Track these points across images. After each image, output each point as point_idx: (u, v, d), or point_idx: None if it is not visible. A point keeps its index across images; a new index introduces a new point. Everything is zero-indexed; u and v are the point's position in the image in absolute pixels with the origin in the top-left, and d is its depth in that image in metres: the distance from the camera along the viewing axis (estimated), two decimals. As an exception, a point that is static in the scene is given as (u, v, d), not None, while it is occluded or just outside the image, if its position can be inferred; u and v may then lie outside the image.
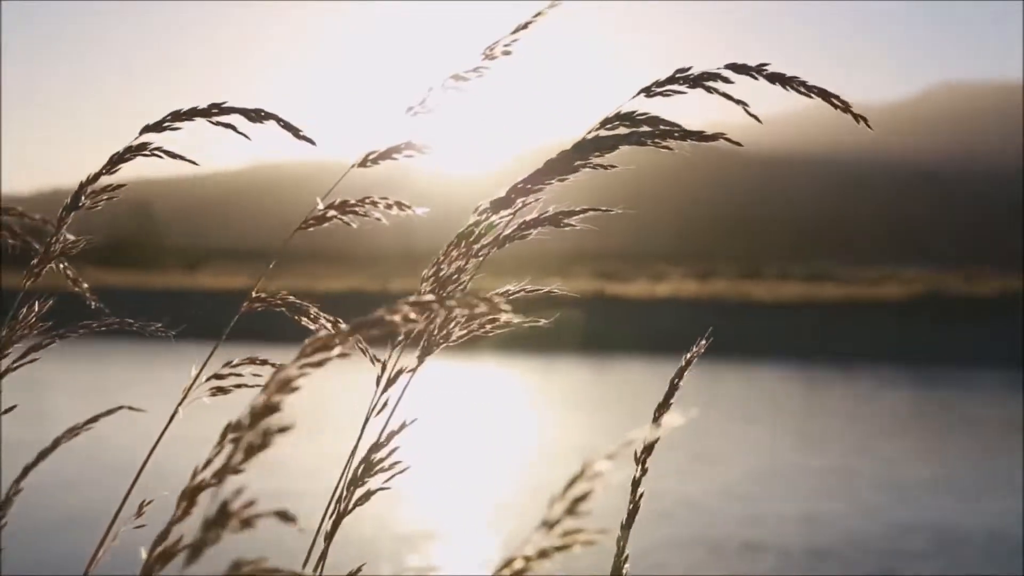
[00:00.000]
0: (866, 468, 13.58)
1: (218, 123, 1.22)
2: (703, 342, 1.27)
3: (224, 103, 1.22)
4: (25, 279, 1.30)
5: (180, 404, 1.19)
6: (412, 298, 0.79)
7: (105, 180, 1.30)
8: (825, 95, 1.08)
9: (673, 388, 1.23)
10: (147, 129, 1.25)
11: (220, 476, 0.83)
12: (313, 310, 1.30)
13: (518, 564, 0.71)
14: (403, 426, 1.15)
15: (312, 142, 1.23)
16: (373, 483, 1.13)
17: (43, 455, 1.31)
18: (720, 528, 10.25)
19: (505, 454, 14.29)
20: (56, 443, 1.30)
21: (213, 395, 1.24)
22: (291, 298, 1.29)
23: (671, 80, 1.11)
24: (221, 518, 0.70)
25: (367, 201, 1.22)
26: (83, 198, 1.30)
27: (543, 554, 0.70)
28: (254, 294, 1.27)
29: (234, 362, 1.26)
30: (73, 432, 1.33)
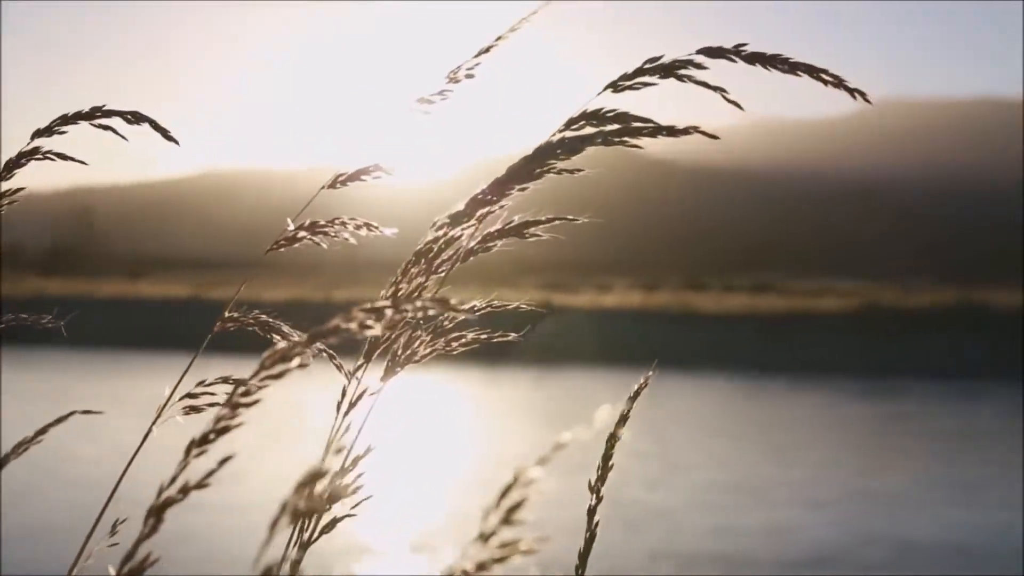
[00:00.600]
0: (815, 478, 13.73)
1: (99, 126, 1.26)
2: (649, 374, 1.26)
3: (104, 106, 1.26)
4: None
5: (154, 423, 1.19)
6: (367, 304, 0.79)
7: (4, 186, 1.32)
8: (812, 71, 1.02)
9: (624, 419, 1.24)
10: (38, 134, 1.28)
11: (186, 492, 0.85)
12: (285, 328, 1.31)
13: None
14: (368, 451, 1.12)
15: (177, 142, 1.27)
16: (338, 510, 1.11)
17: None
18: (686, 539, 10.32)
19: (457, 465, 14.26)
20: (4, 461, 1.26)
21: (187, 414, 1.23)
22: (263, 317, 1.29)
23: (640, 72, 1.04)
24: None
25: (337, 222, 1.22)
26: None
27: (481, 567, 0.69)
28: (227, 314, 1.27)
29: (207, 381, 1.27)
30: (22, 447, 1.27)
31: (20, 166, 1.30)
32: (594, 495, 1.22)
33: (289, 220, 1.23)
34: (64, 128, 1.28)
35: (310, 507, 0.70)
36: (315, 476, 0.70)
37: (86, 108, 1.27)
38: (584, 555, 1.22)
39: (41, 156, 1.29)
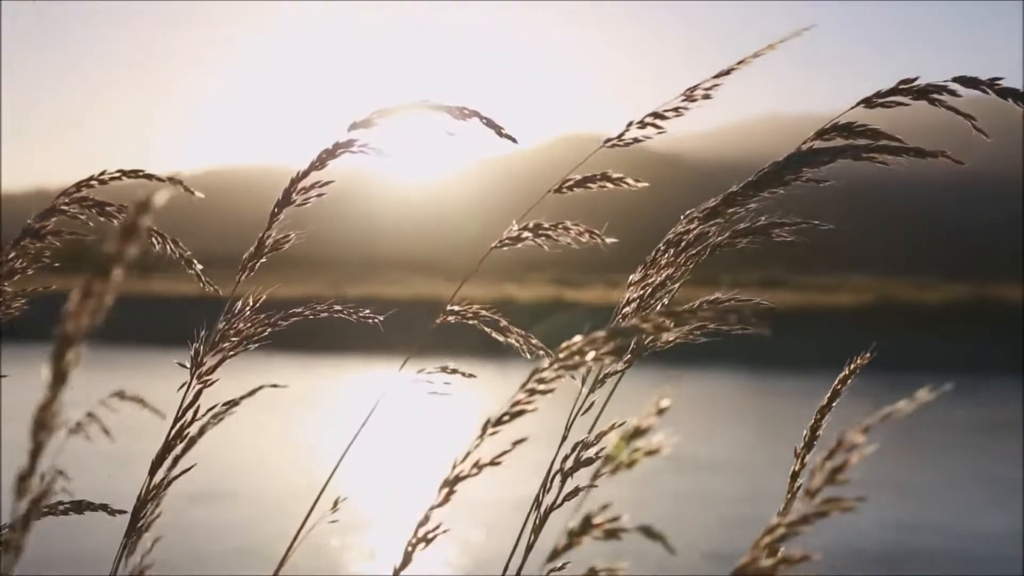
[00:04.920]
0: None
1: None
2: (863, 356, 1.35)
3: (429, 100, 1.21)
4: (239, 273, 1.35)
5: (373, 406, 1.25)
6: (667, 308, 0.89)
7: (314, 176, 1.31)
8: None
9: (835, 394, 1.36)
10: (355, 126, 1.25)
11: (480, 468, 0.94)
12: (503, 322, 1.35)
13: (780, 530, 0.78)
14: (612, 427, 1.15)
15: (515, 140, 1.21)
16: (581, 481, 1.11)
17: (191, 443, 1.32)
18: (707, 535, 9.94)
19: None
20: (203, 430, 1.31)
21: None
22: (483, 312, 1.34)
23: (894, 91, 1.11)
24: (584, 528, 0.77)
25: (560, 226, 1.27)
26: (293, 194, 1.33)
27: (804, 520, 0.77)
28: (448, 307, 1.32)
29: (427, 370, 1.31)
30: (217, 416, 1.31)
31: (334, 156, 1.29)
32: (798, 460, 1.31)
33: (514, 221, 1.25)
34: (379, 120, 1.24)
35: (631, 461, 0.82)
36: (637, 432, 0.82)
37: (409, 100, 1.22)
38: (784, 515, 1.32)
39: (356, 149, 1.27)
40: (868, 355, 1.36)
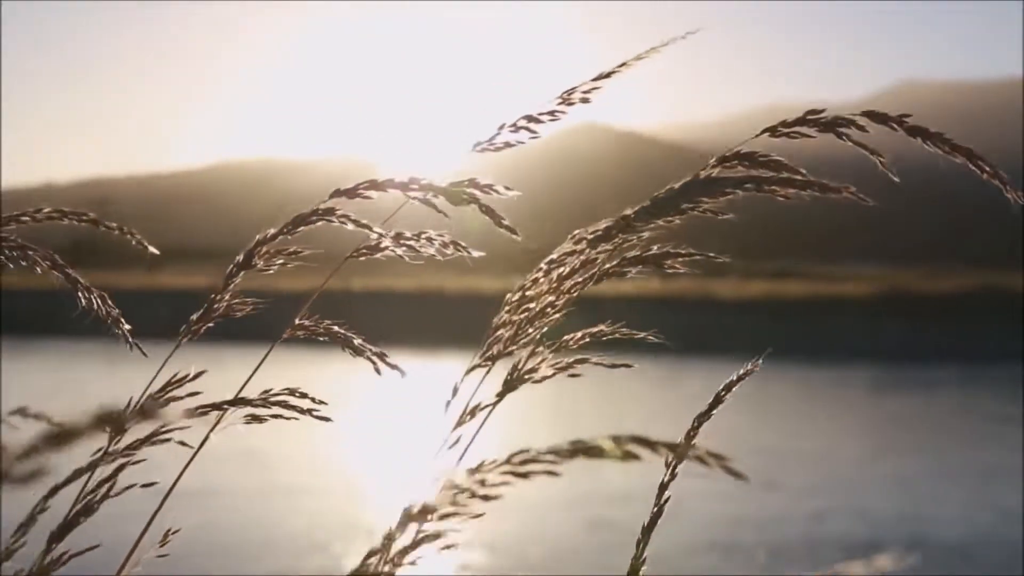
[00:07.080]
0: (847, 465, 13.51)
1: (415, 198, 1.11)
2: (759, 360, 1.25)
3: (423, 180, 1.10)
4: (183, 336, 1.27)
5: (212, 429, 1.15)
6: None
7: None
8: (971, 156, 1.03)
9: (718, 400, 1.25)
10: (338, 193, 1.15)
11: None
12: (357, 341, 1.27)
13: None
14: (482, 465, 0.99)
15: (515, 232, 1.11)
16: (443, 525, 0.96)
17: (76, 476, 1.22)
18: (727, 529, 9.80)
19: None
20: (93, 465, 1.21)
21: (248, 423, 1.19)
22: (335, 328, 1.26)
23: (800, 122, 1.07)
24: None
25: (423, 236, 1.18)
26: (255, 258, 1.22)
27: None
28: (297, 322, 1.23)
29: (272, 391, 1.22)
30: (111, 457, 1.22)
31: (309, 223, 1.19)
32: (668, 470, 1.21)
33: (377, 228, 1.17)
34: (370, 193, 1.13)
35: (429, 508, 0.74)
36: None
37: (400, 177, 1.12)
38: (648, 529, 1.20)
39: (335, 219, 1.17)
40: (759, 362, 1.25)
